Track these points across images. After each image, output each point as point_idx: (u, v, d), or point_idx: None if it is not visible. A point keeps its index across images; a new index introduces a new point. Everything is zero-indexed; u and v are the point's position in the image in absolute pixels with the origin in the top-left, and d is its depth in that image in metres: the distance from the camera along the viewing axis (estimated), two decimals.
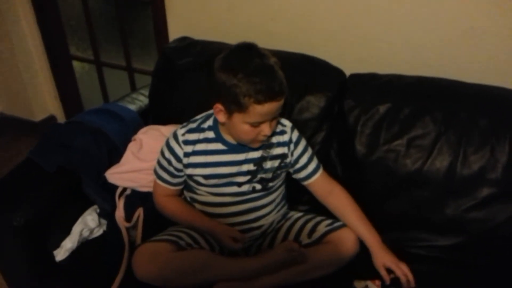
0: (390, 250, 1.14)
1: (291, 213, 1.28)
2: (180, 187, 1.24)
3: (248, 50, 1.04)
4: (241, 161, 1.15)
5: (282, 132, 1.19)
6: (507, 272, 1.16)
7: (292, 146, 1.19)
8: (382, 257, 1.12)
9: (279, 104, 1.04)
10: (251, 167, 1.15)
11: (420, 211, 1.23)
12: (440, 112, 1.21)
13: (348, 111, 1.30)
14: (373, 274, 1.14)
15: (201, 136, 1.17)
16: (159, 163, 1.21)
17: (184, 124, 1.20)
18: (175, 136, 1.17)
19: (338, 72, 1.38)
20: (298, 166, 1.21)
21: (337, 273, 1.14)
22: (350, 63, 1.43)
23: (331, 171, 1.29)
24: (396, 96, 1.27)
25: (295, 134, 1.21)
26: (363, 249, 1.16)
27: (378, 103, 1.27)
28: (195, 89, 1.42)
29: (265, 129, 1.06)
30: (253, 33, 1.59)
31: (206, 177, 1.16)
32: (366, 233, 1.16)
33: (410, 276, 1.09)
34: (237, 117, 1.05)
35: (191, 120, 1.22)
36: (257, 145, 1.13)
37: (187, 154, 1.16)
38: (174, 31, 1.82)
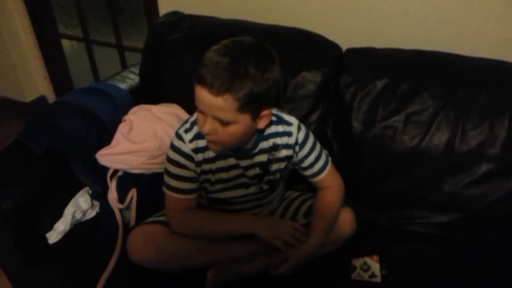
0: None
1: (288, 192, 1.27)
2: (197, 194, 1.12)
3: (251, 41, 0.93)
4: (247, 166, 1.07)
5: (288, 134, 1.09)
6: (504, 250, 1.16)
7: (297, 147, 1.10)
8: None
9: (211, 98, 0.87)
10: (257, 170, 1.09)
11: (418, 188, 1.21)
12: (438, 87, 1.18)
13: (345, 88, 1.26)
14: (371, 250, 1.13)
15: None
16: (169, 173, 1.07)
17: (187, 126, 1.05)
18: (181, 139, 1.04)
19: (334, 46, 1.34)
20: (303, 165, 1.14)
21: (335, 252, 1.13)
22: (347, 37, 1.39)
23: (327, 149, 1.25)
24: (393, 71, 1.24)
25: (302, 133, 1.10)
26: (360, 228, 1.15)
27: (375, 78, 1.23)
28: (186, 65, 1.37)
29: (204, 123, 0.93)
30: (246, 7, 1.53)
31: (212, 183, 1.09)
32: (312, 234, 1.07)
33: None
34: None
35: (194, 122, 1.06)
36: (211, 145, 0.99)
37: (199, 163, 1.05)
38: (165, 6, 1.76)
